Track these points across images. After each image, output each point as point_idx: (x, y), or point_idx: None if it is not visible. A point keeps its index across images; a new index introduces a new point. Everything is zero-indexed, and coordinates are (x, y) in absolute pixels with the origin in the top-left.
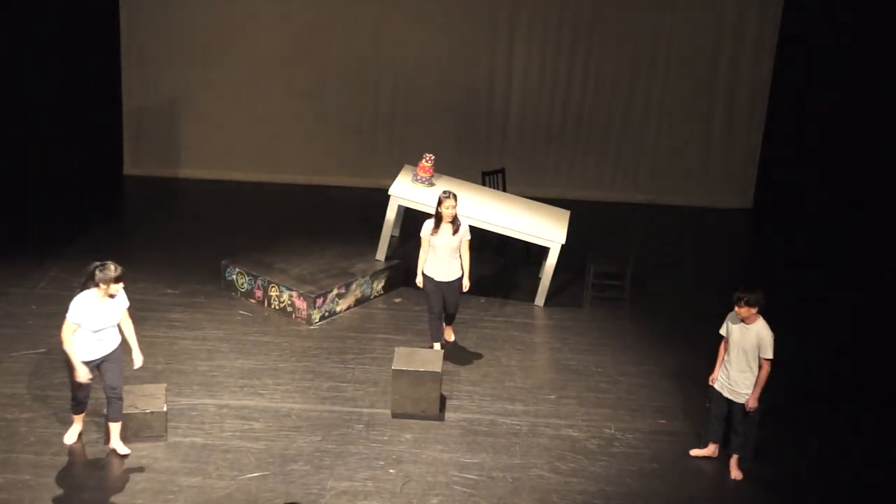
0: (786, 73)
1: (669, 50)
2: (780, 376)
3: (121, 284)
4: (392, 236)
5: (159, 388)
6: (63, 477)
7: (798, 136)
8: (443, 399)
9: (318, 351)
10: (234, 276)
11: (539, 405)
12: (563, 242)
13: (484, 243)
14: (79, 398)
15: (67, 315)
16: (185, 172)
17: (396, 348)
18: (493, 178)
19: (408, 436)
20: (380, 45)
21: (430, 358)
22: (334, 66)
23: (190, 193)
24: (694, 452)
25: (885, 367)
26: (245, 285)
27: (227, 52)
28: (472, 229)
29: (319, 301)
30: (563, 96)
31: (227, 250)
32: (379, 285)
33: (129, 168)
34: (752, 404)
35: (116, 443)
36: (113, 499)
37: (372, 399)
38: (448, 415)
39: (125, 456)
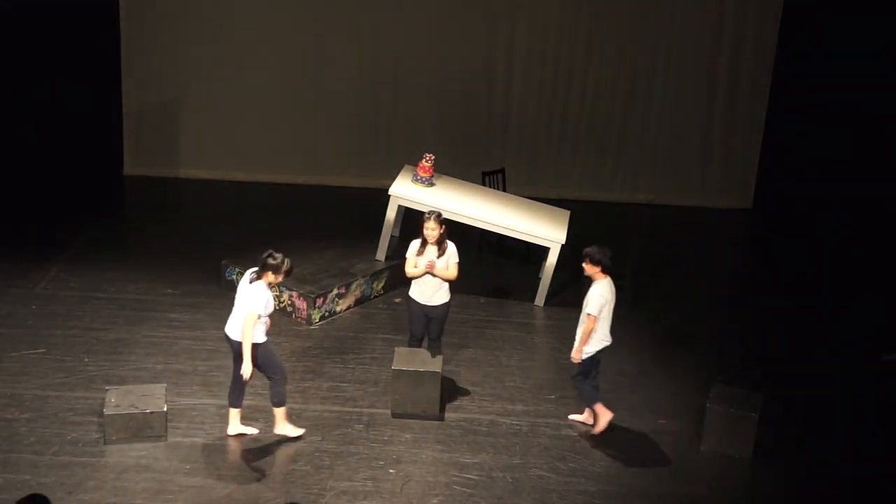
0: (786, 74)
1: (670, 50)
2: (779, 376)
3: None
4: (392, 236)
5: (159, 388)
6: (63, 477)
7: (798, 137)
8: (443, 399)
9: (318, 351)
10: (234, 276)
11: (539, 405)
12: (563, 242)
13: (484, 243)
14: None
15: (254, 308)
16: (185, 172)
17: (396, 348)
18: (493, 178)
19: (408, 436)
20: (380, 45)
21: (430, 358)
22: (334, 65)
23: (190, 193)
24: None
25: (885, 367)
26: None
27: (227, 52)
28: (472, 230)
29: (319, 301)
30: (564, 96)
31: (227, 250)
32: (379, 285)
33: (129, 168)
34: (574, 356)
35: (284, 429)
36: (113, 499)
37: (372, 399)
38: (448, 415)
39: (298, 438)
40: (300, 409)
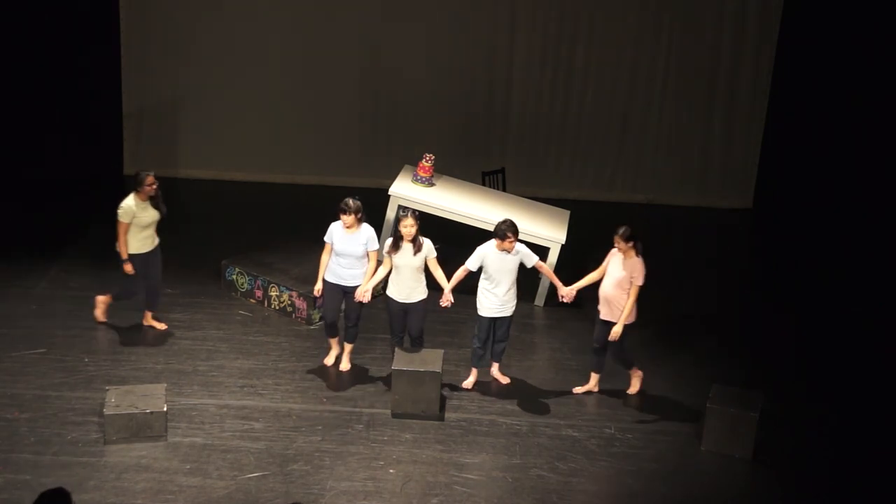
0: (786, 74)
1: (669, 49)
2: (779, 376)
3: (352, 218)
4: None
5: (159, 388)
6: (63, 477)
7: (798, 136)
8: (443, 399)
9: (318, 351)
10: (234, 276)
11: (539, 405)
12: (563, 242)
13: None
14: (328, 320)
15: (326, 237)
16: (185, 172)
17: (396, 348)
18: (493, 178)
19: (408, 436)
20: (380, 45)
21: (430, 358)
22: (334, 65)
23: (190, 193)
24: (467, 384)
25: (885, 366)
26: (245, 285)
27: (228, 53)
28: (472, 230)
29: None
30: (564, 96)
31: (227, 250)
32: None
33: (129, 168)
34: (569, 295)
35: (345, 364)
36: (113, 499)
37: (372, 399)
38: (448, 415)
39: (347, 371)
40: (300, 409)
